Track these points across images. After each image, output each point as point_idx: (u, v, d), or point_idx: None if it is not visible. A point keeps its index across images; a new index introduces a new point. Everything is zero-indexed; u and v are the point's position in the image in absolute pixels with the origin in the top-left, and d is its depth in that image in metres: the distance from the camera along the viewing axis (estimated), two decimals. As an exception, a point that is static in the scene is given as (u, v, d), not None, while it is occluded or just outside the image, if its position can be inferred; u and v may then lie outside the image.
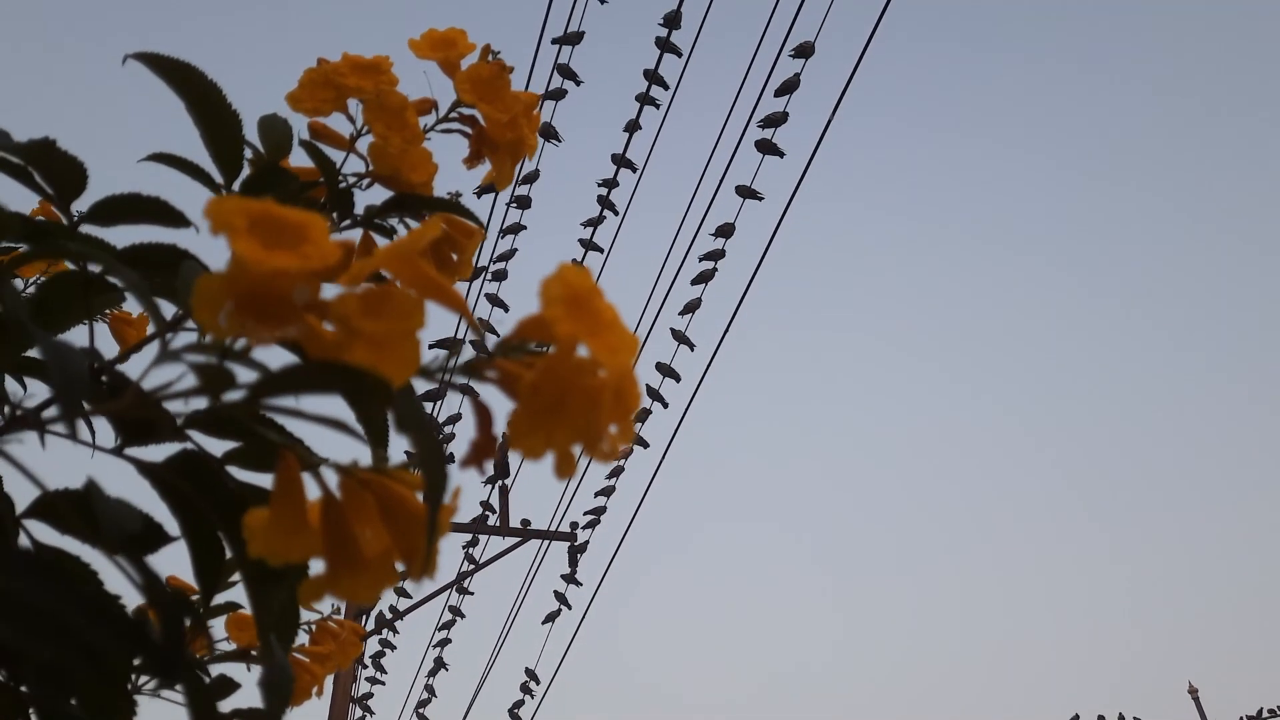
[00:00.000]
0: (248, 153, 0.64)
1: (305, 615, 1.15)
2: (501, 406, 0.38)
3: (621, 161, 5.67)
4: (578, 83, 5.42)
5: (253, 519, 0.42)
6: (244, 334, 0.32)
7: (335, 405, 0.41)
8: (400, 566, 0.43)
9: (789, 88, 4.86)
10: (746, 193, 5.26)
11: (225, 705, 0.98)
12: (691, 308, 5.62)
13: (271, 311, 0.33)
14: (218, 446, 0.59)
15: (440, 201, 0.65)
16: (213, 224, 0.32)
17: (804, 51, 4.81)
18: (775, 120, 4.97)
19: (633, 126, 5.54)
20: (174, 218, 0.56)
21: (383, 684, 8.75)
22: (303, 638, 1.11)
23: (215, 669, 1.05)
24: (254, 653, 1.03)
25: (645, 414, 6.34)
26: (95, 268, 0.59)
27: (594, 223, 5.95)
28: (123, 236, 0.61)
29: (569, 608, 7.81)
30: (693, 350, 5.85)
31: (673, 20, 5.08)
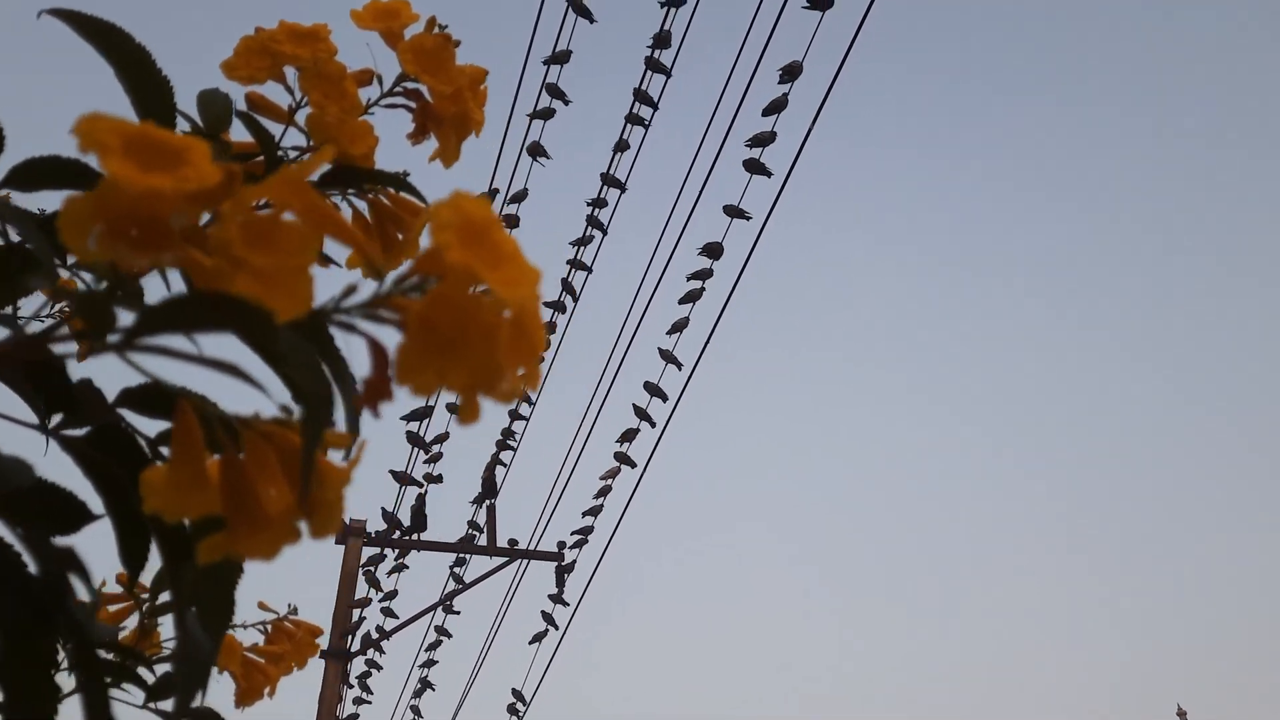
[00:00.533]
0: (185, 125, 0.63)
1: (261, 615, 1.12)
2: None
3: (610, 180, 5.67)
4: (566, 102, 5.43)
5: (151, 474, 0.41)
6: (116, 258, 0.31)
7: (243, 354, 0.40)
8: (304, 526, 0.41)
9: (776, 107, 4.87)
10: (734, 212, 5.26)
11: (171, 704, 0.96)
12: (679, 327, 5.61)
13: (147, 237, 0.31)
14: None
15: (382, 175, 0.64)
16: (82, 141, 0.30)
17: (792, 72, 4.82)
18: (763, 140, 4.98)
19: (621, 145, 5.54)
20: (96, 181, 0.55)
21: (369, 704, 8.66)
22: (258, 637, 1.08)
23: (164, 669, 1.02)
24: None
25: (633, 433, 6.32)
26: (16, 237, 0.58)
27: (582, 241, 5.95)
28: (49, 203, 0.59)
29: (556, 628, 7.76)
30: (680, 369, 5.83)
31: (661, 40, 5.10)
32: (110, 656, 0.96)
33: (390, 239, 0.73)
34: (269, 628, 1.10)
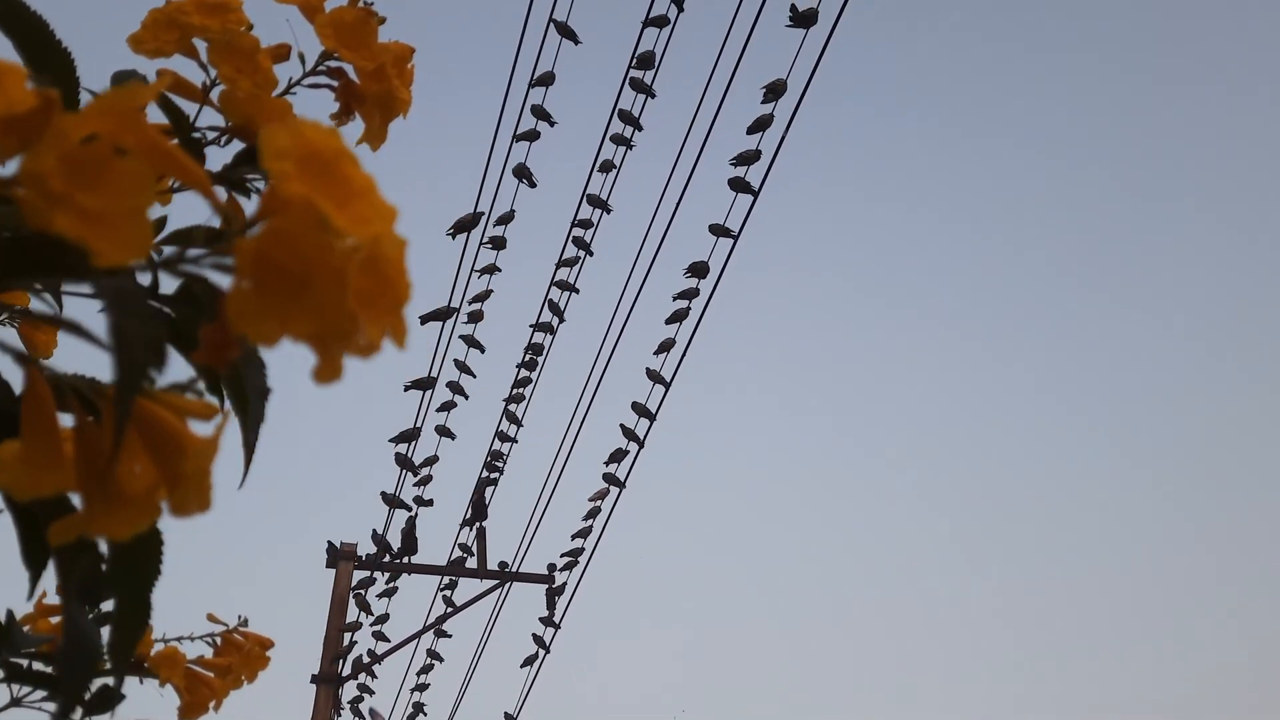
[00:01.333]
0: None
1: (210, 627, 1.09)
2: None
3: (597, 202, 5.65)
4: (551, 124, 5.42)
5: (3, 449, 0.38)
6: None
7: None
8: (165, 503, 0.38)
9: (761, 125, 4.86)
10: (720, 231, 5.24)
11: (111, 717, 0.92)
12: (665, 347, 5.58)
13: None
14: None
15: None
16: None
17: (776, 90, 4.82)
18: (748, 158, 4.97)
19: (608, 166, 5.53)
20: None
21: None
22: (204, 649, 1.05)
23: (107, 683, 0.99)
24: (146, 665, 0.97)
25: (621, 454, 6.27)
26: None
27: (570, 263, 5.92)
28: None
29: (548, 650, 7.69)
30: (668, 390, 5.80)
31: (644, 60, 5.09)
32: (45, 668, 0.93)
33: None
34: (218, 640, 1.06)
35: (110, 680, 0.85)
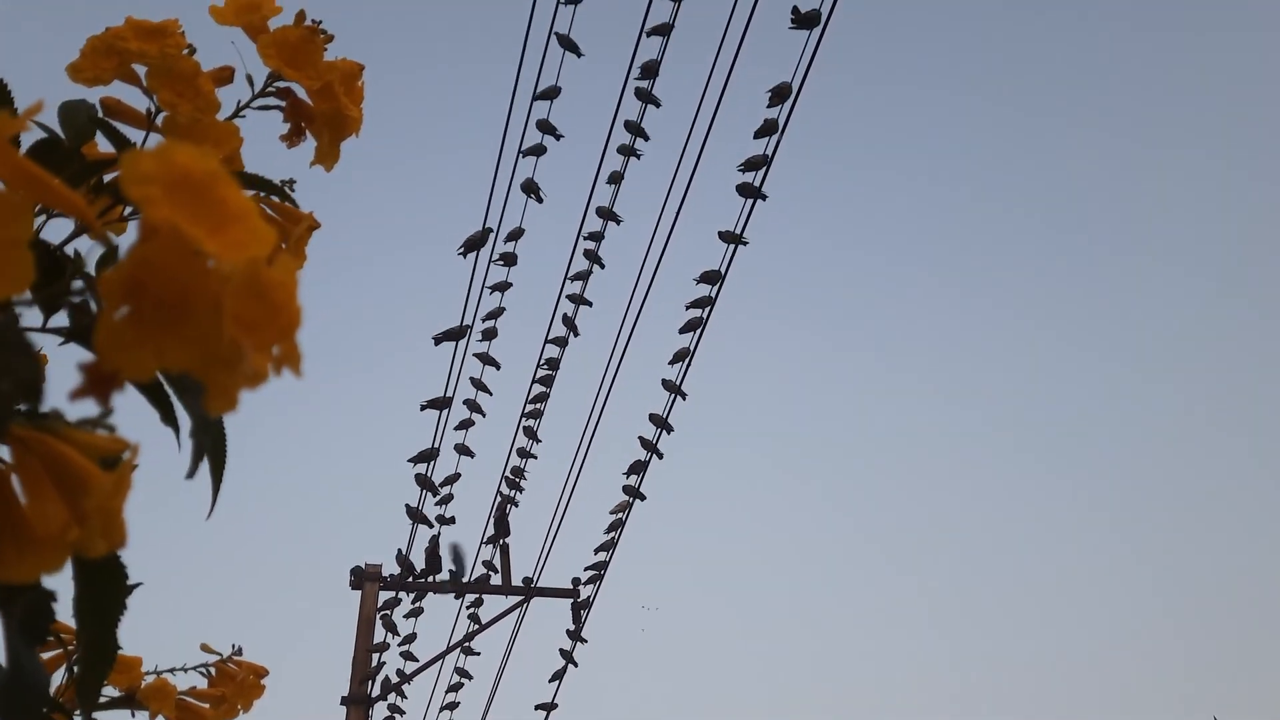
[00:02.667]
0: (37, 133, 0.59)
1: (204, 657, 1.08)
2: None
3: (606, 214, 5.65)
4: (557, 137, 5.42)
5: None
6: None
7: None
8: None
9: (768, 129, 4.85)
10: (731, 238, 5.23)
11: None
12: (681, 356, 5.56)
13: None
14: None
15: (248, 178, 0.60)
16: None
17: (781, 94, 4.80)
18: (755, 164, 4.95)
19: (616, 178, 5.53)
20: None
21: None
22: (199, 680, 1.04)
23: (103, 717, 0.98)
24: (136, 698, 0.97)
25: (642, 466, 6.25)
26: None
27: (581, 276, 5.92)
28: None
29: (575, 665, 7.67)
30: (685, 400, 5.78)
31: (650, 70, 5.09)
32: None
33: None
34: (212, 670, 1.05)
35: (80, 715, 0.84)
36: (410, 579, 7.79)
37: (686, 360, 5.53)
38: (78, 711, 0.95)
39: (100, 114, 0.60)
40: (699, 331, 5.36)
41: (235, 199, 0.29)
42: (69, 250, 0.55)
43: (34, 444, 0.35)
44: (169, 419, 0.61)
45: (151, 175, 0.28)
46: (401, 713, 8.37)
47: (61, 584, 0.61)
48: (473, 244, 5.71)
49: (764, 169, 4.84)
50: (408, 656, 8.06)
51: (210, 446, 0.69)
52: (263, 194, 0.67)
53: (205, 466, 0.74)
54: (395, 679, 8.08)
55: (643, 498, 6.33)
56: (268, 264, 0.30)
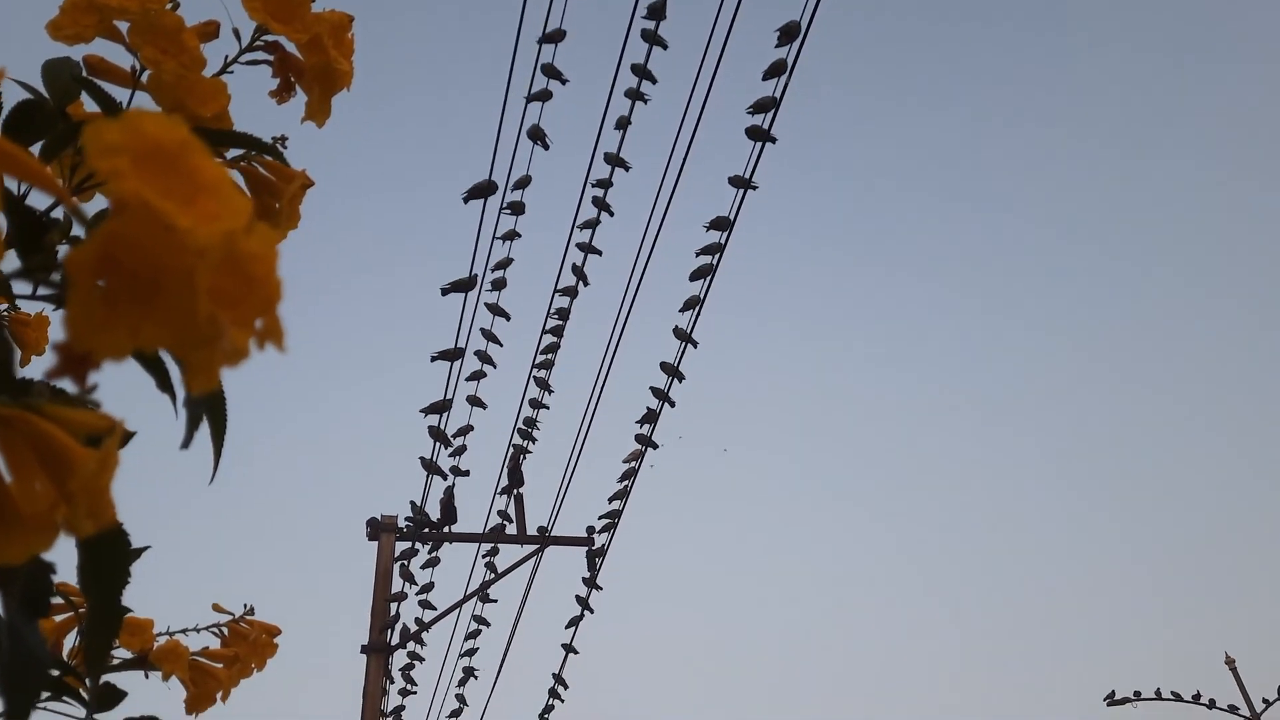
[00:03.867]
0: (20, 94, 0.58)
1: (216, 618, 1.08)
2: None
3: (614, 160, 5.59)
4: (563, 81, 5.35)
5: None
6: None
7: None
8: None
9: (776, 70, 4.77)
10: (740, 182, 5.17)
11: (115, 715, 0.92)
12: (691, 304, 5.53)
13: None
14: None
15: (236, 136, 0.58)
16: None
17: (790, 33, 4.72)
18: (764, 105, 4.88)
19: (623, 123, 5.46)
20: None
21: (414, 694, 8.70)
22: (212, 641, 1.04)
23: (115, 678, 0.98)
24: (148, 660, 0.97)
25: (654, 416, 6.26)
26: None
27: (591, 225, 5.87)
28: None
29: (591, 611, 7.75)
30: (696, 348, 5.76)
31: (657, 11, 5.00)
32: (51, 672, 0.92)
33: (269, 211, 0.68)
34: (224, 630, 1.06)
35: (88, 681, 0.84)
36: (425, 530, 7.86)
37: (697, 308, 5.51)
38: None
39: (84, 73, 0.59)
40: (709, 278, 5.34)
41: (208, 169, 0.28)
42: (57, 216, 0.53)
43: (17, 423, 0.34)
44: (165, 385, 0.60)
45: (118, 146, 0.26)
46: (421, 660, 8.49)
47: (66, 550, 0.60)
48: (478, 192, 5.66)
49: (773, 111, 4.78)
50: (426, 605, 8.15)
51: (210, 412, 0.68)
52: (253, 153, 0.66)
53: (207, 431, 0.74)
54: (414, 627, 8.18)
55: (655, 446, 6.34)
56: (245, 236, 0.28)
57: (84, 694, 0.90)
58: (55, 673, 0.91)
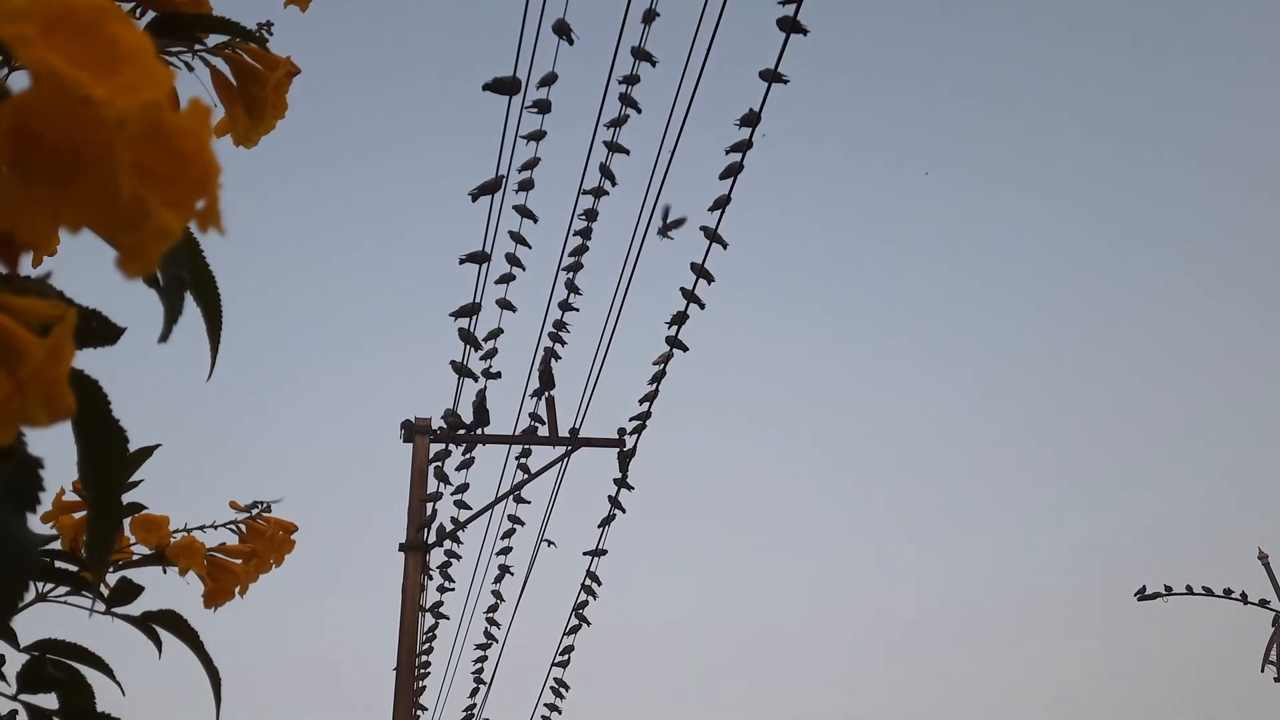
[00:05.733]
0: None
1: (233, 514, 1.10)
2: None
3: (640, 54, 5.48)
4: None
5: None
6: None
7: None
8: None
9: (807, -37, 4.62)
10: (771, 77, 5.06)
11: (134, 608, 0.94)
12: (720, 204, 5.46)
13: None
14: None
15: (215, 21, 0.57)
16: None
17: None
18: (794, -4, 4.74)
19: (650, 15, 5.34)
20: None
21: (452, 591, 8.93)
22: (229, 537, 1.06)
23: (133, 575, 1.00)
24: (165, 555, 0.99)
25: (682, 317, 6.24)
26: None
27: (617, 123, 5.78)
28: None
29: (623, 511, 7.86)
30: (725, 249, 5.71)
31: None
32: (69, 565, 0.94)
33: (255, 100, 0.66)
34: (241, 527, 1.07)
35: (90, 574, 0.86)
36: (459, 432, 7.95)
37: (724, 206, 5.45)
38: (111, 566, 0.97)
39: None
40: (735, 176, 5.26)
41: (127, 36, 0.26)
42: None
43: (-34, 313, 0.33)
44: (152, 281, 0.59)
45: (24, 11, 0.25)
46: (457, 558, 8.68)
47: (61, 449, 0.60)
48: (501, 87, 5.56)
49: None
50: (461, 505, 8.30)
51: (204, 306, 0.68)
52: (236, 40, 0.64)
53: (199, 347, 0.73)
54: (450, 527, 8.35)
55: (684, 348, 6.34)
56: (170, 109, 0.27)
57: (102, 589, 0.92)
58: (74, 568, 0.92)
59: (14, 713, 0.92)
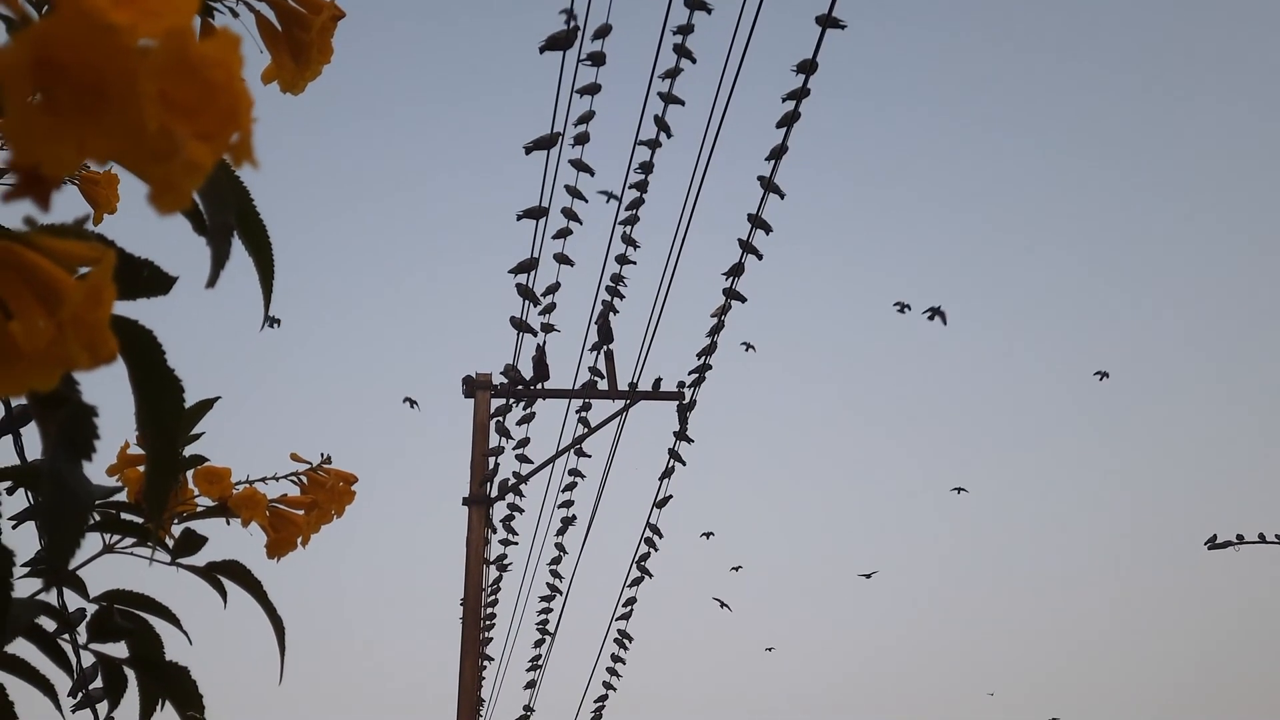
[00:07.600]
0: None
1: (294, 466, 1.11)
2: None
3: (696, 4, 5.40)
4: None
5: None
6: None
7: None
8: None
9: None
10: (828, 21, 4.96)
11: (198, 559, 0.95)
12: (776, 153, 5.39)
13: None
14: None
15: (255, -34, 0.56)
16: None
17: None
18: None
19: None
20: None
21: (515, 544, 9.06)
22: (291, 488, 1.07)
23: (195, 526, 1.02)
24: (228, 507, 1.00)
25: (739, 269, 6.20)
26: None
27: (672, 74, 5.72)
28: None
29: (684, 464, 7.88)
30: (783, 199, 5.65)
31: None
32: (134, 517, 0.96)
33: (300, 44, 0.65)
34: (303, 479, 1.08)
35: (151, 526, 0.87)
36: (519, 386, 8.01)
37: (780, 156, 5.37)
38: (176, 518, 0.98)
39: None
40: (790, 125, 5.18)
41: (146, -40, 0.26)
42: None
43: (6, 255, 0.33)
44: (200, 227, 0.59)
45: (38, -66, 0.24)
46: (520, 510, 8.79)
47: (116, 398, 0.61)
48: (555, 43, 5.53)
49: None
50: (522, 459, 8.39)
51: (255, 253, 0.68)
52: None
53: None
54: (512, 480, 8.45)
55: (742, 299, 6.30)
56: (196, 38, 0.26)
57: (167, 540, 0.94)
58: (139, 520, 0.94)
59: (95, 665, 0.94)
